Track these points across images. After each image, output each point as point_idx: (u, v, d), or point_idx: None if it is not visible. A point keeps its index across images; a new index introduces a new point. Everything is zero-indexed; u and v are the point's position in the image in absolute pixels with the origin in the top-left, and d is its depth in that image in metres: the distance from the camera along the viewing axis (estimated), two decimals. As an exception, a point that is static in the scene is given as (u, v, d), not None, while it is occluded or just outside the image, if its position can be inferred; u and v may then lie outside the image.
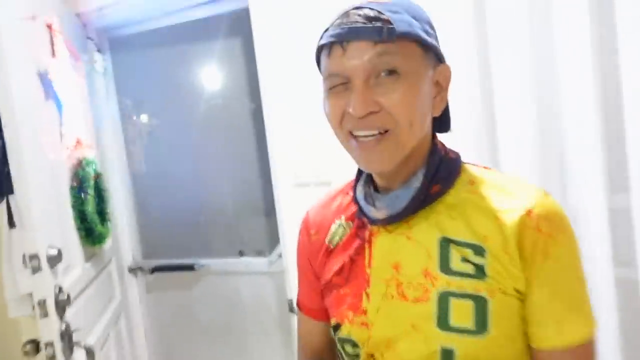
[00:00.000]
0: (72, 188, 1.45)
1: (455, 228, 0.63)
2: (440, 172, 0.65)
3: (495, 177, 0.67)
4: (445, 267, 0.62)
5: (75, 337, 1.25)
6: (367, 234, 0.70)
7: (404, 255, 0.65)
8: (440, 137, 0.71)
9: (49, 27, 1.46)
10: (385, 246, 0.67)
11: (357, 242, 0.70)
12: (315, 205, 0.83)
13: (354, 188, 0.74)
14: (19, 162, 1.12)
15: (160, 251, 2.13)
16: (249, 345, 2.02)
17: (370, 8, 0.59)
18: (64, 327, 1.21)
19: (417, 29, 0.60)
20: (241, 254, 1.99)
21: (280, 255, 1.77)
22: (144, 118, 2.11)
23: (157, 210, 2.13)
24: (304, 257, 0.81)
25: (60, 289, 1.22)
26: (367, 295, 0.67)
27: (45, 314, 1.16)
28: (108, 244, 1.81)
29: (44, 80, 1.35)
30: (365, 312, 0.67)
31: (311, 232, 0.80)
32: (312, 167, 1.47)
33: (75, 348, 1.24)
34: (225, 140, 2.02)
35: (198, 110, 2.02)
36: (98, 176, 1.62)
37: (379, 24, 0.58)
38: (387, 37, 0.57)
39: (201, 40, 1.96)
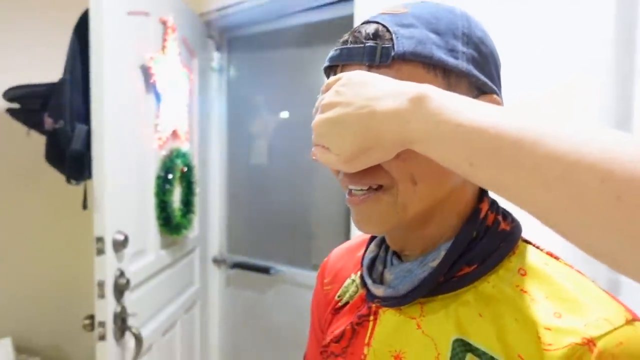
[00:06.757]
0: (158, 177, 1.52)
1: (480, 331, 0.45)
2: (477, 250, 0.48)
3: (561, 273, 0.45)
4: None
5: (130, 322, 1.30)
6: (374, 304, 0.55)
7: (410, 347, 0.49)
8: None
9: (164, 23, 1.55)
10: (390, 327, 0.52)
11: (364, 309, 0.56)
12: (341, 248, 0.70)
13: (368, 243, 0.59)
14: (100, 149, 1.18)
15: (242, 248, 2.18)
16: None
17: (376, 22, 0.45)
18: (119, 309, 1.27)
19: (431, 47, 0.44)
20: (315, 268, 1.92)
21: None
22: (250, 117, 2.16)
23: (246, 207, 2.18)
24: (314, 307, 0.70)
25: (122, 273, 1.28)
26: None
27: (102, 295, 1.21)
28: (193, 233, 1.88)
29: (146, 73, 1.43)
30: None
31: (325, 281, 0.67)
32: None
33: (126, 332, 1.29)
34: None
35: (303, 115, 2.00)
36: (188, 168, 1.68)
37: (371, 43, 0.44)
38: (381, 59, 0.43)
39: (313, 44, 1.94)
